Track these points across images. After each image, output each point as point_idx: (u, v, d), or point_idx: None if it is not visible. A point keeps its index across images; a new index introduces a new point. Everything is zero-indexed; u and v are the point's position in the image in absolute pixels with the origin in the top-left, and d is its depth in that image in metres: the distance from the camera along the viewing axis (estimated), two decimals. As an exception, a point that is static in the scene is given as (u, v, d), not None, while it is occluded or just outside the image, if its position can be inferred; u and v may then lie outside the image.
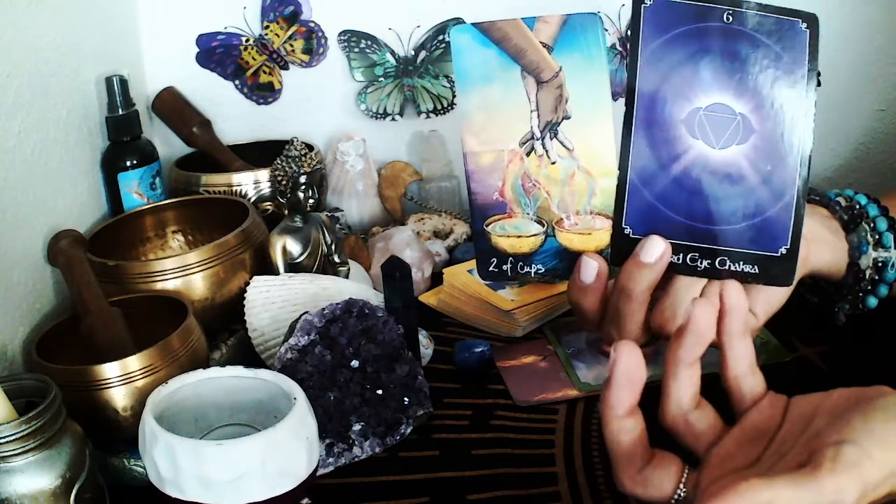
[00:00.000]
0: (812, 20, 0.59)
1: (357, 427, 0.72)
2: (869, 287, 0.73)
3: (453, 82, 1.17)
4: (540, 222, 0.63)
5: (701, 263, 0.61)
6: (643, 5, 0.59)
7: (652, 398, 0.77)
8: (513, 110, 0.62)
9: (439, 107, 1.18)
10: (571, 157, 0.62)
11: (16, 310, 0.80)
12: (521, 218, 0.63)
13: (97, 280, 0.81)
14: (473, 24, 0.62)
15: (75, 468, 0.59)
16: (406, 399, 0.74)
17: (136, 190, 1.01)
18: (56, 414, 0.59)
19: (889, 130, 1.12)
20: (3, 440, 0.57)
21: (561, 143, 0.62)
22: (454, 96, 1.18)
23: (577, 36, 0.60)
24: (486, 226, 0.64)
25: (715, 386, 0.78)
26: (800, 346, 0.81)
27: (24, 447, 0.57)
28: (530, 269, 0.64)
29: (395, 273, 0.77)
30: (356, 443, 0.72)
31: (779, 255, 0.60)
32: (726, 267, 0.61)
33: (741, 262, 0.60)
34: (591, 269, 0.61)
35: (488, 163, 0.63)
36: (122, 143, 1.01)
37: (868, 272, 0.72)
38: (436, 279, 0.99)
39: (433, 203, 1.17)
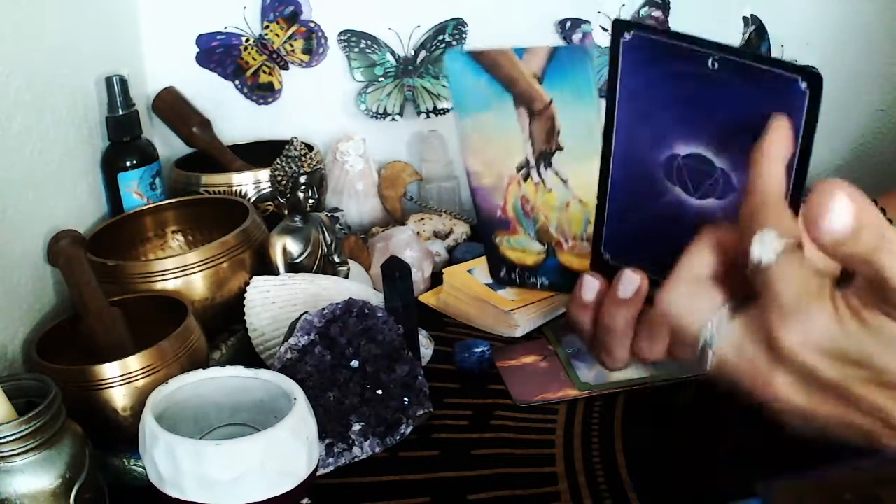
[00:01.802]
0: (815, 80, 0.51)
1: (357, 427, 0.72)
2: None
3: (453, 82, 1.17)
4: (541, 242, 0.63)
5: None
6: (622, 39, 0.54)
7: (653, 398, 0.77)
8: (508, 137, 0.61)
9: (439, 107, 1.18)
10: (566, 186, 0.61)
11: (16, 310, 0.80)
12: (524, 235, 0.63)
13: (97, 280, 0.81)
14: (466, 52, 0.61)
15: (75, 468, 0.59)
16: (406, 399, 0.74)
17: (136, 190, 1.01)
18: (56, 414, 0.59)
19: (889, 130, 1.12)
20: (3, 440, 0.57)
21: (555, 173, 0.61)
22: (454, 96, 1.18)
23: (565, 69, 0.58)
24: (494, 237, 0.63)
25: (715, 386, 0.78)
26: (800, 346, 0.81)
27: (24, 447, 0.57)
28: (536, 280, 0.64)
29: (395, 273, 0.77)
30: (356, 443, 0.72)
31: None
32: None
33: None
34: (592, 288, 0.60)
35: (490, 183, 0.63)
36: (122, 143, 1.01)
37: None
38: (436, 279, 0.99)
39: (433, 203, 1.17)
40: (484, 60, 0.60)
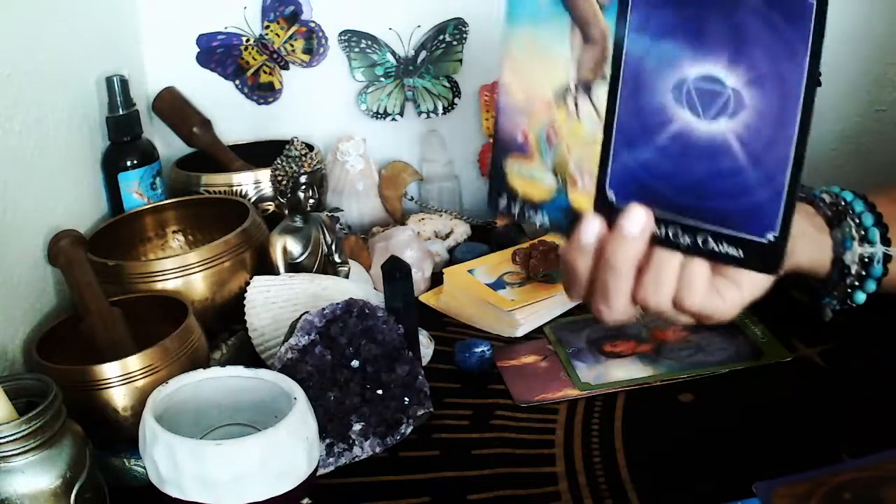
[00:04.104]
0: None
1: (357, 427, 0.72)
2: (856, 283, 0.73)
3: (454, 82, 1.17)
4: (555, 174, 0.61)
5: (683, 239, 0.58)
6: None
7: (653, 398, 0.77)
8: (553, 58, 0.59)
9: (439, 107, 1.18)
10: (598, 119, 0.59)
11: (16, 310, 0.80)
12: (539, 165, 0.61)
13: (97, 280, 0.81)
14: None
15: (75, 468, 0.59)
16: (406, 399, 0.74)
17: (136, 190, 1.01)
18: (56, 414, 0.59)
19: (889, 130, 1.12)
20: (3, 440, 0.57)
21: (593, 104, 0.59)
22: (454, 96, 1.18)
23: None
24: (506, 162, 0.62)
25: (715, 386, 0.78)
26: (800, 346, 0.81)
27: (24, 447, 0.57)
28: (536, 217, 0.62)
29: (395, 273, 0.77)
30: (356, 443, 0.72)
31: (765, 241, 0.56)
32: (710, 247, 0.57)
33: (724, 243, 0.57)
34: (593, 230, 0.59)
35: (520, 101, 0.61)
36: (123, 143, 1.01)
37: (854, 267, 0.72)
38: (436, 279, 0.99)
39: (433, 203, 1.17)
40: None
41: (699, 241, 0.58)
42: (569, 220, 0.61)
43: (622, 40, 0.57)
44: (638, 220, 0.57)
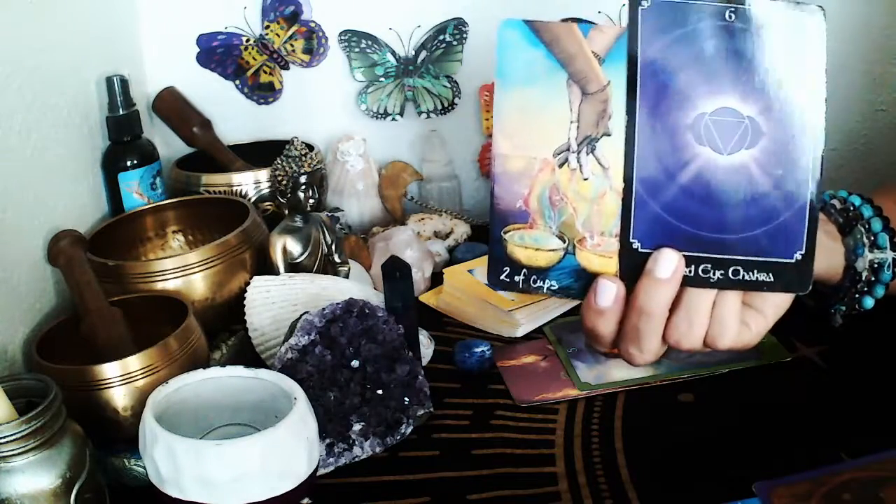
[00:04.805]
0: (817, 13, 0.56)
1: (357, 427, 0.72)
2: (865, 288, 0.73)
3: (454, 82, 1.17)
4: (562, 238, 0.60)
5: (714, 274, 0.58)
6: (640, 7, 0.56)
7: (653, 398, 0.77)
8: (552, 117, 0.58)
9: (439, 107, 1.18)
10: (605, 175, 0.58)
11: (16, 310, 0.80)
12: (543, 231, 0.60)
13: (97, 280, 0.81)
14: (525, 21, 0.58)
15: (75, 468, 0.59)
16: (406, 399, 0.74)
17: (136, 190, 1.01)
18: (56, 414, 0.59)
19: (889, 131, 1.12)
20: (3, 440, 0.57)
21: (597, 159, 0.58)
22: (454, 96, 1.18)
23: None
24: (505, 233, 0.60)
25: (715, 386, 0.78)
26: (800, 346, 0.82)
27: (24, 447, 0.57)
28: (543, 284, 0.61)
29: (395, 273, 0.77)
30: (356, 443, 0.72)
31: (794, 261, 0.57)
32: (740, 276, 0.58)
33: (755, 271, 0.58)
34: (609, 293, 0.59)
35: (517, 169, 0.59)
36: (123, 143, 1.01)
37: (864, 274, 0.72)
38: (436, 279, 0.99)
39: (433, 203, 1.17)
40: (545, 33, 0.58)
41: (730, 273, 0.58)
42: (580, 283, 0.60)
43: (634, 85, 0.57)
44: (669, 263, 0.57)
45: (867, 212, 0.73)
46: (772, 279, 0.58)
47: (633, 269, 0.59)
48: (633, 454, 0.70)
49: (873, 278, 0.73)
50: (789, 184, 0.57)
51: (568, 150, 0.59)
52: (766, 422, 0.73)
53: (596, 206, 0.59)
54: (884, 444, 0.65)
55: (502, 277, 0.61)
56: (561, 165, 0.59)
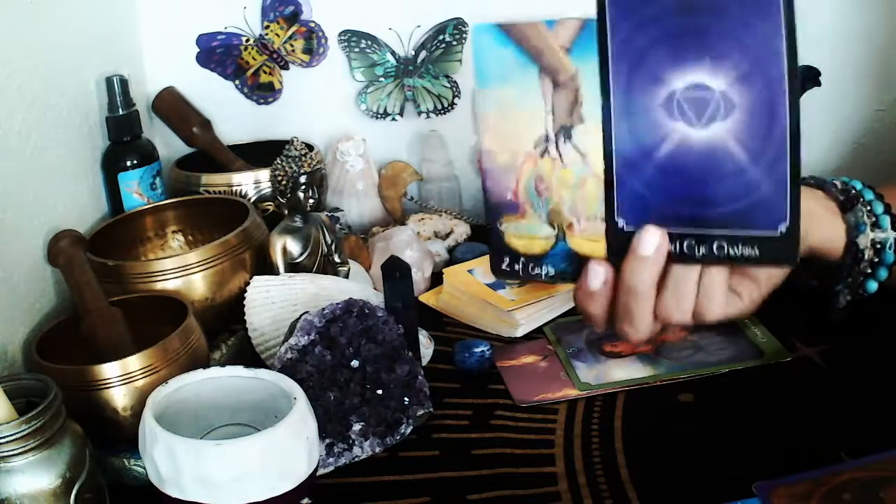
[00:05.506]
0: None
1: (357, 427, 0.72)
2: (868, 270, 0.73)
3: (454, 82, 1.17)
4: (552, 225, 0.62)
5: (698, 250, 0.58)
6: None
7: (653, 398, 0.77)
8: (528, 111, 0.61)
9: (439, 107, 1.18)
10: (584, 162, 0.60)
11: (16, 310, 0.80)
12: (533, 219, 0.62)
13: (97, 280, 0.81)
14: (495, 24, 0.60)
15: (75, 468, 0.59)
16: (406, 399, 0.74)
17: (136, 190, 1.01)
18: (56, 414, 0.59)
19: (889, 130, 1.12)
20: (3, 440, 0.57)
21: (575, 147, 0.60)
22: (454, 96, 1.18)
23: (594, 41, 0.59)
24: (501, 224, 0.63)
25: (715, 386, 0.78)
26: (800, 346, 0.81)
27: (24, 447, 0.57)
28: (541, 270, 0.63)
29: (395, 273, 0.77)
30: (356, 443, 0.72)
31: (779, 233, 0.57)
32: (725, 252, 0.58)
33: (740, 245, 0.58)
34: (598, 276, 0.60)
35: (503, 162, 0.62)
36: (123, 143, 1.01)
37: (867, 252, 0.72)
38: (436, 279, 0.99)
39: (433, 203, 1.17)
40: (513, 33, 0.61)
41: (714, 248, 0.58)
42: (573, 267, 0.62)
43: (607, 69, 0.58)
44: (652, 240, 0.58)
45: (868, 195, 0.73)
46: (758, 253, 0.58)
47: (620, 248, 0.60)
48: (633, 454, 0.70)
49: (876, 259, 0.73)
50: (767, 155, 0.56)
51: (546, 140, 0.61)
52: (766, 422, 0.73)
53: (579, 191, 0.61)
54: (884, 444, 0.65)
55: (504, 267, 0.64)
56: (542, 156, 0.61)
